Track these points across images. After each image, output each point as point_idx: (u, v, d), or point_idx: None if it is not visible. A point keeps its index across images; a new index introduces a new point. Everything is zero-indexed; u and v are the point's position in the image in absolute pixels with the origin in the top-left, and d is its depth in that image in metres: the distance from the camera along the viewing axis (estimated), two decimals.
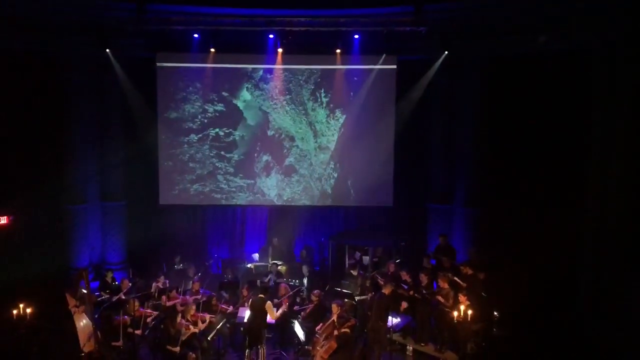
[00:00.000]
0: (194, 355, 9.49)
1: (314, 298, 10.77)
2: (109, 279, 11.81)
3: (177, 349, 9.38)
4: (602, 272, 10.97)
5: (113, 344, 9.54)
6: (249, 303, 9.77)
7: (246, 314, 9.88)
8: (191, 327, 9.77)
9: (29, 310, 9.26)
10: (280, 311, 10.23)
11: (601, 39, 11.01)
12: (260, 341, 9.48)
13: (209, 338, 9.94)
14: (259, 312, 9.45)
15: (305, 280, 12.29)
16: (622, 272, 10.40)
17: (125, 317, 9.78)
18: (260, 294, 9.74)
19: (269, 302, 9.66)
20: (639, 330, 9.50)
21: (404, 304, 10.64)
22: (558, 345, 10.33)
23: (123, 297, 10.67)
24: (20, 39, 11.91)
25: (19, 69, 12.19)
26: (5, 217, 12.49)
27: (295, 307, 10.88)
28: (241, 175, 13.84)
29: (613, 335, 10.06)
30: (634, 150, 10.54)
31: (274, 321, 10.20)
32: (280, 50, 12.93)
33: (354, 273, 11.96)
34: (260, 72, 13.55)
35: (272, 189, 13.95)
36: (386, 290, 9.97)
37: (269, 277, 12.22)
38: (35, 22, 11.87)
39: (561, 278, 11.73)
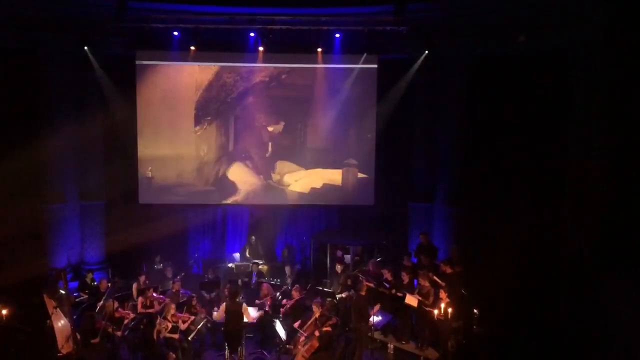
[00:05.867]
0: (174, 356, 9.44)
1: (294, 293, 10.81)
2: (88, 280, 11.69)
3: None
4: (581, 270, 11.08)
5: (92, 341, 9.44)
6: (224, 307, 9.67)
7: (219, 315, 9.83)
8: (169, 325, 9.72)
9: (4, 312, 9.11)
10: (258, 313, 10.21)
11: (579, 39, 11.13)
12: (239, 343, 9.50)
13: (189, 338, 9.90)
14: (237, 316, 9.43)
15: (288, 280, 12.27)
16: (602, 270, 10.51)
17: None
18: (237, 292, 9.82)
19: (244, 304, 9.66)
20: (617, 329, 9.61)
21: (377, 307, 10.53)
22: (538, 342, 10.43)
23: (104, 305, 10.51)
24: None
25: None
26: None
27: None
28: (221, 174, 13.75)
29: (592, 333, 10.16)
30: (612, 150, 10.66)
31: (255, 320, 10.20)
32: (261, 48, 12.88)
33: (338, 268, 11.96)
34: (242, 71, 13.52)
35: (254, 188, 13.88)
36: (362, 291, 9.98)
37: (252, 277, 12.21)
38: (12, 19, 11.69)
39: (541, 276, 11.84)
